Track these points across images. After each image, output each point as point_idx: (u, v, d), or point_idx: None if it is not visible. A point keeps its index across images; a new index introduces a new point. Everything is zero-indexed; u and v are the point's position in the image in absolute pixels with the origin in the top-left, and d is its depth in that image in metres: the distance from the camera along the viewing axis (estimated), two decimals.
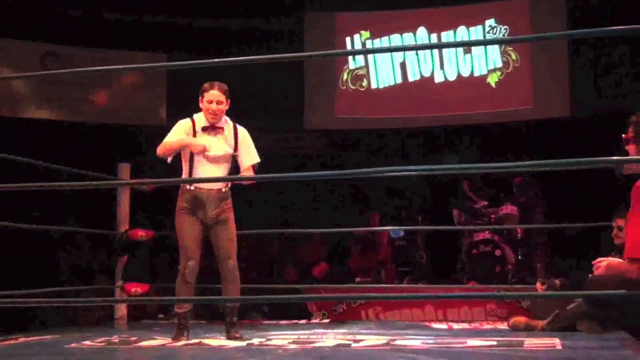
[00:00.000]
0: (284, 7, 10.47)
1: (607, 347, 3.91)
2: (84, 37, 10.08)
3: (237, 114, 4.90)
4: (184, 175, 4.76)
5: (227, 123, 4.82)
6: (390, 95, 10.40)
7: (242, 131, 4.84)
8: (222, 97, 4.74)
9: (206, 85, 4.76)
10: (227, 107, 4.80)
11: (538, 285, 5.52)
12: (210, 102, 4.72)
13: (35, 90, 10.11)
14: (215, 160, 4.72)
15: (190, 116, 4.84)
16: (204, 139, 4.70)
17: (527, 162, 3.60)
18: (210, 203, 4.69)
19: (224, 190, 4.75)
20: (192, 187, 4.67)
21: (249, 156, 4.82)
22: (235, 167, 4.79)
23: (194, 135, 4.73)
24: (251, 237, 7.79)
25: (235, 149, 4.78)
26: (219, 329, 4.90)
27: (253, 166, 4.83)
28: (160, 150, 4.73)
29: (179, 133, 4.76)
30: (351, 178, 8.79)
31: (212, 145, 4.71)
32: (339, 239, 9.52)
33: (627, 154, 3.27)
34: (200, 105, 4.76)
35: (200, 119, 4.79)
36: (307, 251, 9.21)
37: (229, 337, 4.62)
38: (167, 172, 5.14)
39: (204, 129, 4.75)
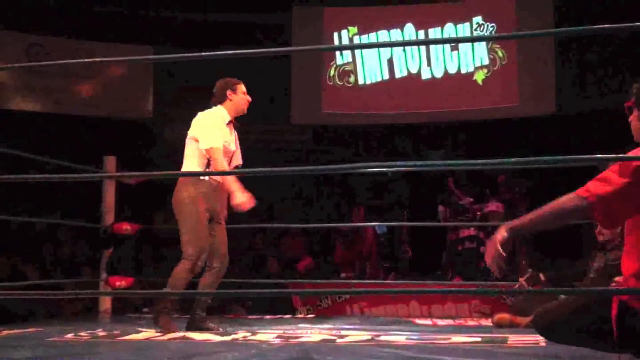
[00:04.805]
0: (272, 1, 10.45)
1: None
2: (70, 28, 10.03)
3: None
4: (199, 167, 4.73)
5: None
6: (377, 92, 10.40)
7: (236, 132, 4.97)
8: None
9: (232, 79, 4.90)
10: None
11: (521, 280, 5.51)
12: (246, 93, 4.89)
13: (21, 81, 10.04)
14: (228, 154, 4.80)
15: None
16: (227, 135, 4.79)
17: (513, 160, 3.60)
18: (220, 196, 4.77)
19: None
20: (208, 178, 4.70)
21: (239, 156, 4.97)
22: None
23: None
24: (235, 230, 7.78)
25: (236, 147, 4.93)
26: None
27: (236, 167, 4.96)
28: (221, 162, 4.67)
29: (222, 127, 4.77)
30: (337, 173, 8.81)
31: (231, 140, 4.84)
32: (324, 234, 9.54)
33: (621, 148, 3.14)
34: (230, 97, 4.85)
35: (221, 115, 4.84)
36: (290, 244, 9.21)
37: (203, 328, 4.67)
38: (155, 166, 5.15)
39: (228, 124, 4.84)
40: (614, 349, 2.75)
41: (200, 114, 4.82)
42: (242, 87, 4.91)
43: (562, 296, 4.45)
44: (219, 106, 4.85)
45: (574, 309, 2.83)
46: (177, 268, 4.66)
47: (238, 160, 4.96)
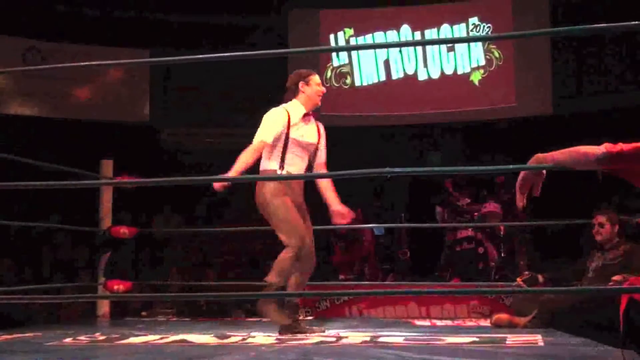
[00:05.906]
0: (269, 3, 10.45)
1: (589, 343, 3.93)
2: (66, 32, 10.02)
3: (224, 110, 4.88)
4: (273, 163, 4.65)
5: None
6: (374, 93, 10.41)
7: (322, 126, 4.88)
8: None
9: (304, 70, 4.81)
10: None
11: (519, 280, 5.52)
12: (320, 84, 4.77)
13: (18, 86, 10.04)
14: (306, 147, 4.71)
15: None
16: (302, 128, 4.69)
17: (511, 167, 3.61)
18: (299, 188, 4.70)
19: None
20: (286, 172, 4.62)
21: (325, 151, 4.86)
22: None
23: (289, 127, 4.66)
24: (234, 233, 7.77)
25: (318, 141, 4.81)
26: (203, 326, 4.89)
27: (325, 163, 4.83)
28: (247, 152, 4.57)
29: (278, 125, 4.65)
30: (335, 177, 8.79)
31: (306, 133, 4.72)
32: (322, 236, 9.52)
33: None
34: (303, 89, 4.75)
35: (295, 108, 4.73)
36: None
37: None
38: (154, 170, 5.11)
39: (304, 117, 4.72)
40: (618, 344, 2.78)
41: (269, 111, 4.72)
42: (315, 79, 4.78)
43: None
44: (293, 100, 4.75)
45: (580, 302, 2.86)
46: (281, 255, 4.58)
47: (321, 158, 4.83)
